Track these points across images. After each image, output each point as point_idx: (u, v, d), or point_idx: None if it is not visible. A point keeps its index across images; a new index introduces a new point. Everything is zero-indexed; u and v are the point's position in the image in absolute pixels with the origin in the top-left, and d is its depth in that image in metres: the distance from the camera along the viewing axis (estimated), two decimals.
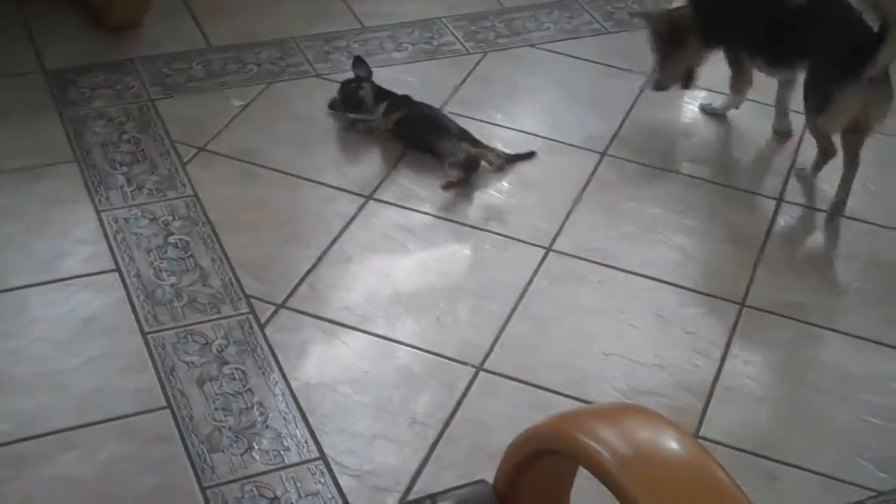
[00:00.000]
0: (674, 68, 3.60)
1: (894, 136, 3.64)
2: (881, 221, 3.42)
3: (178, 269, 3.00)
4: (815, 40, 3.31)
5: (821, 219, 3.43)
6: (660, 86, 3.63)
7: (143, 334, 2.80)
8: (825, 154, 3.42)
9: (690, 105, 3.84)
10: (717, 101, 3.71)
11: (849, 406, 2.80)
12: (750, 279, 3.16)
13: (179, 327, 2.83)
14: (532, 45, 4.11)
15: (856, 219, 3.44)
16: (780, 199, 3.47)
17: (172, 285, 2.94)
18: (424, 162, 3.46)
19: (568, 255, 3.18)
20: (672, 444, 1.56)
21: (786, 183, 3.54)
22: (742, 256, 3.25)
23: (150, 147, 3.42)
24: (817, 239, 3.37)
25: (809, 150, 3.54)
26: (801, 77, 3.43)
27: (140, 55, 3.83)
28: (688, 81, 3.67)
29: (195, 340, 2.79)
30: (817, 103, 3.31)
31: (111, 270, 2.97)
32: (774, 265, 3.23)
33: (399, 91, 3.63)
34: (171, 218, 3.16)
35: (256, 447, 2.53)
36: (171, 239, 3.09)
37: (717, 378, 2.84)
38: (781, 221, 3.40)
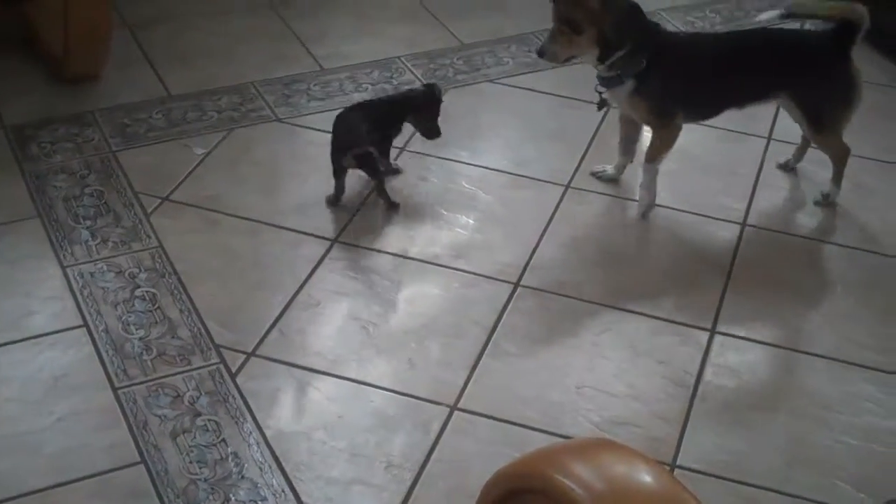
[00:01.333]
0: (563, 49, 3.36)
1: (863, 158, 3.66)
2: (850, 243, 3.44)
3: (146, 321, 2.98)
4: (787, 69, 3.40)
5: (785, 241, 3.45)
6: (542, 53, 3.36)
7: (114, 389, 2.78)
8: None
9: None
10: (609, 167, 3.66)
11: (824, 428, 2.81)
12: (719, 305, 3.17)
13: (150, 381, 2.81)
14: (492, 81, 4.13)
15: (823, 241, 3.46)
16: (743, 224, 3.49)
17: (141, 338, 2.93)
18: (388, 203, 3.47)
19: (537, 289, 3.18)
20: (646, 478, 1.56)
21: (749, 205, 3.55)
22: (711, 282, 3.25)
23: (114, 199, 3.41)
24: (784, 261, 3.38)
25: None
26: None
27: (100, 107, 3.83)
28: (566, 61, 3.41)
29: (166, 393, 2.77)
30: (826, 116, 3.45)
31: (79, 326, 2.95)
32: (743, 289, 3.24)
33: None
34: (137, 270, 3.15)
35: (233, 498, 2.51)
36: (137, 292, 3.08)
37: (691, 406, 2.84)
38: (747, 245, 3.41)
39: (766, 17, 3.46)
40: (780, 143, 3.85)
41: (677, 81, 3.37)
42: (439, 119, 3.54)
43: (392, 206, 3.43)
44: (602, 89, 3.42)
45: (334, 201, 3.44)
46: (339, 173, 3.42)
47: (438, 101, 3.54)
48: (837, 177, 3.58)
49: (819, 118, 3.46)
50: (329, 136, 3.44)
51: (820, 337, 3.12)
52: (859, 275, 3.33)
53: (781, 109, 3.84)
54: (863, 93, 3.44)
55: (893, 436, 2.79)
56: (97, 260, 3.18)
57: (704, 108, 3.52)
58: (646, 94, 3.35)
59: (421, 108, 3.53)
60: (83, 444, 2.63)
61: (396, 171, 3.57)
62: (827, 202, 3.58)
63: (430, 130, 3.55)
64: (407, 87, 3.87)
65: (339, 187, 3.43)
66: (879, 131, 3.92)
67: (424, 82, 3.79)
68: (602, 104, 3.51)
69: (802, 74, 3.42)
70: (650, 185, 3.50)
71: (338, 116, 3.47)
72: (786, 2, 3.46)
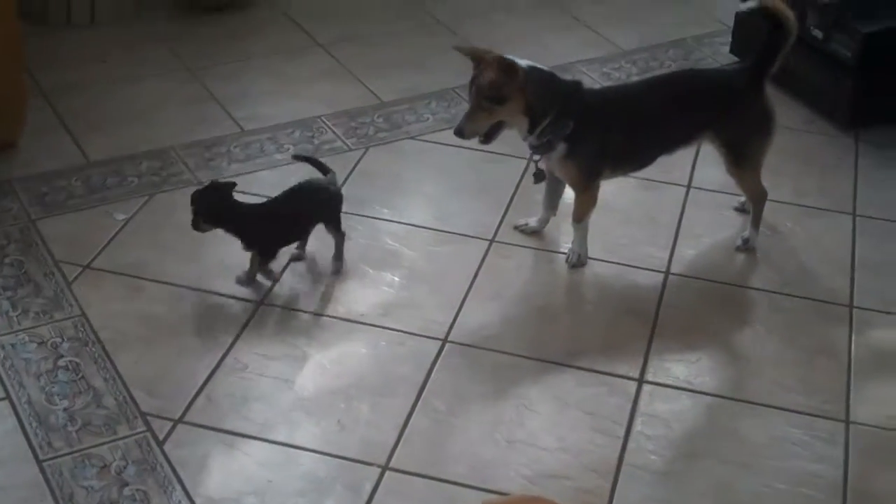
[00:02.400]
0: (482, 123, 3.36)
1: (779, 202, 3.72)
2: (771, 287, 3.49)
3: (71, 391, 2.94)
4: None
5: (708, 288, 3.48)
6: (461, 133, 3.34)
7: (39, 462, 2.73)
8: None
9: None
10: (532, 220, 3.68)
11: (752, 473, 2.83)
12: (646, 354, 3.19)
13: (76, 452, 2.77)
14: (412, 137, 4.15)
15: (745, 286, 3.51)
16: (667, 272, 3.52)
17: (65, 409, 2.89)
18: (315, 263, 3.46)
19: (464, 345, 3.19)
20: None
21: (672, 254, 3.59)
22: (637, 331, 3.28)
23: (34, 269, 3.37)
24: (708, 308, 3.41)
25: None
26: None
27: (17, 175, 3.80)
28: (490, 138, 3.38)
29: (93, 464, 2.73)
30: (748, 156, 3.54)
31: (1, 399, 2.90)
32: (669, 337, 3.27)
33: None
34: (59, 340, 3.11)
35: None
36: (60, 361, 3.04)
37: (621, 456, 2.85)
38: (671, 293, 3.44)
39: (747, 5, 3.52)
40: (699, 190, 3.90)
41: (608, 137, 3.40)
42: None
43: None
44: (537, 158, 3.45)
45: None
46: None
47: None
48: (756, 220, 3.64)
49: (740, 152, 3.53)
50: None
51: (746, 382, 3.15)
52: (781, 319, 3.37)
53: (700, 157, 3.91)
54: (777, 125, 3.54)
55: (821, 479, 2.82)
56: (18, 331, 3.13)
57: (637, 159, 3.58)
58: (577, 155, 3.38)
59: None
60: None
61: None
62: (747, 247, 3.63)
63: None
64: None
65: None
66: (794, 175, 3.99)
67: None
68: (539, 176, 3.54)
69: (723, 111, 3.49)
70: (582, 242, 3.54)
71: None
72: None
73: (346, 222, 3.62)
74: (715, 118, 3.51)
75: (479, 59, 3.31)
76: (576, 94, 3.39)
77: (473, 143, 3.99)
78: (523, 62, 3.27)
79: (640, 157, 3.57)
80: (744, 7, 3.53)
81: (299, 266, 3.45)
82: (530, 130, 3.34)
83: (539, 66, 3.33)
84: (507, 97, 3.26)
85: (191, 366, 3.06)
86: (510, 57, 3.26)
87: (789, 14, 3.40)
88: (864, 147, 4.21)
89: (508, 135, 3.43)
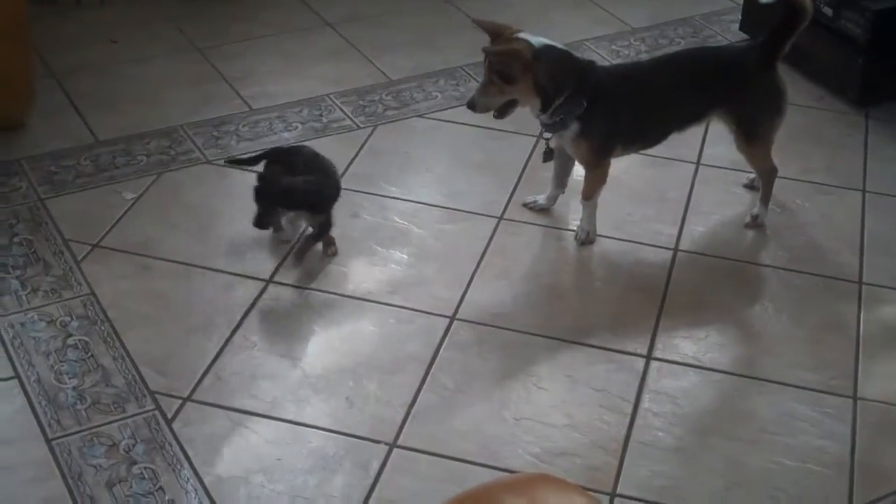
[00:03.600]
0: (495, 98, 3.34)
1: (789, 179, 3.71)
2: (780, 264, 3.48)
3: (80, 370, 2.95)
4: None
5: (717, 265, 3.48)
6: (473, 105, 3.35)
7: (48, 441, 2.74)
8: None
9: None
10: (541, 198, 3.68)
11: (760, 449, 2.83)
12: (654, 331, 3.19)
13: (84, 430, 2.78)
14: (421, 116, 4.14)
15: (754, 263, 3.50)
16: (675, 249, 3.52)
17: (75, 388, 2.90)
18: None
19: (472, 322, 3.19)
20: None
21: (681, 231, 3.59)
22: (645, 308, 3.27)
23: (43, 248, 3.38)
24: (717, 285, 3.41)
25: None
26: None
27: (26, 155, 3.80)
28: (503, 114, 3.39)
29: (101, 443, 2.74)
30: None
31: (10, 378, 2.92)
32: (677, 314, 3.27)
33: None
34: (68, 319, 3.11)
35: None
36: (70, 340, 3.05)
37: (629, 433, 2.86)
38: (680, 270, 3.44)
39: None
40: (708, 167, 3.89)
41: (621, 116, 3.40)
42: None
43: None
44: (548, 136, 3.45)
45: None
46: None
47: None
48: (765, 197, 3.63)
49: (751, 129, 3.52)
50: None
51: (754, 359, 3.15)
52: (790, 295, 3.36)
53: (709, 134, 3.90)
54: (788, 103, 3.53)
55: (828, 455, 2.82)
56: (28, 310, 3.14)
57: (650, 137, 3.57)
58: (590, 134, 3.37)
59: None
60: (17, 497, 2.60)
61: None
62: (756, 224, 3.62)
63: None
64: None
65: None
66: (803, 153, 3.98)
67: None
68: (548, 155, 3.54)
69: (735, 89, 3.48)
70: (590, 220, 3.53)
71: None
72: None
73: (355, 199, 3.64)
74: (726, 96, 3.49)
75: (495, 35, 3.31)
76: (589, 74, 3.38)
77: (482, 120, 4.00)
78: (538, 41, 3.26)
79: (652, 135, 3.57)
80: (763, 0, 3.51)
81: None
82: (543, 109, 3.33)
83: (554, 44, 3.31)
84: (516, 77, 3.25)
85: (199, 344, 3.07)
86: (524, 37, 3.25)
87: (808, 1, 3.39)
88: (873, 124, 4.19)
89: (517, 112, 3.42)
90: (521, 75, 3.25)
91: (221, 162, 3.76)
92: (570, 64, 3.35)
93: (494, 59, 3.25)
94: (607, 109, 3.37)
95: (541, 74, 3.26)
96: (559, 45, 3.35)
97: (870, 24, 4.11)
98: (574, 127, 3.35)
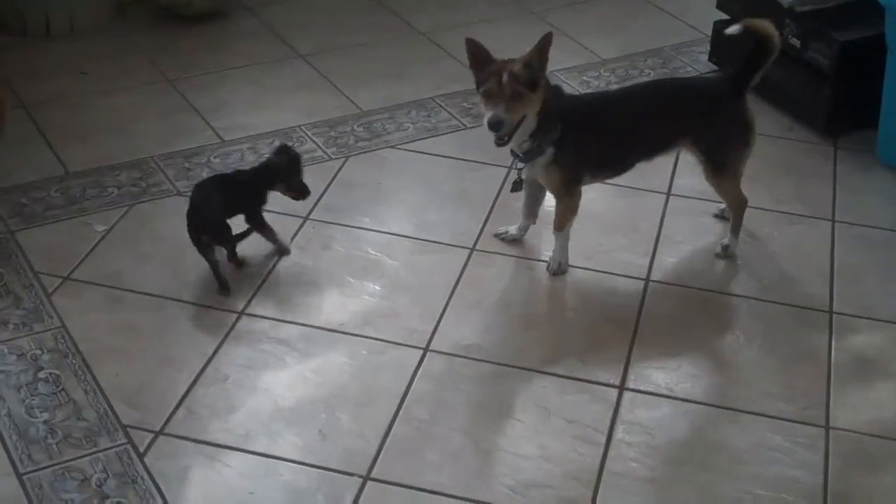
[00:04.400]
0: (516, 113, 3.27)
1: (759, 209, 3.73)
2: (751, 293, 3.49)
3: (51, 404, 2.93)
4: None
5: (688, 295, 3.49)
6: (498, 124, 3.22)
7: (19, 476, 2.72)
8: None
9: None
10: (512, 228, 3.68)
11: (734, 479, 2.83)
12: (627, 361, 3.20)
13: (56, 465, 2.76)
14: (393, 147, 4.15)
15: (725, 293, 3.52)
16: (647, 279, 3.53)
17: (46, 422, 2.88)
18: (297, 273, 3.46)
19: (445, 353, 3.19)
20: None
21: (652, 261, 3.60)
22: (618, 338, 3.28)
23: (13, 280, 3.36)
24: (689, 315, 3.42)
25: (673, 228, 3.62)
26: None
27: None
28: (511, 137, 3.31)
29: (73, 477, 2.72)
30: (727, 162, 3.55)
31: None
32: (650, 344, 3.28)
33: None
34: (39, 352, 3.10)
35: None
36: (41, 374, 3.03)
37: (602, 464, 2.86)
38: (651, 300, 3.45)
39: (731, 30, 3.53)
40: (679, 197, 3.91)
41: (590, 143, 3.42)
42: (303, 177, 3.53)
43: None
44: (521, 166, 3.45)
45: (224, 287, 3.39)
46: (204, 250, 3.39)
47: (297, 162, 3.52)
48: (735, 227, 3.65)
49: (719, 161, 3.54)
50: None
51: (727, 389, 3.16)
52: (761, 325, 3.38)
53: (680, 164, 3.92)
54: (756, 135, 3.55)
55: (801, 485, 2.82)
56: None
57: (617, 165, 3.59)
58: (562, 161, 3.39)
59: (282, 175, 3.50)
60: None
61: (285, 251, 3.56)
62: (727, 254, 3.64)
63: (299, 192, 3.53)
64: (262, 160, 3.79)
65: (214, 266, 3.40)
66: (772, 183, 4.00)
67: (277, 146, 3.61)
68: (517, 185, 3.55)
69: (702, 120, 3.50)
70: (562, 250, 3.55)
71: (196, 186, 3.47)
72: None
73: (327, 231, 3.65)
74: (694, 126, 3.52)
75: (478, 59, 3.28)
76: (562, 99, 3.40)
77: (453, 151, 4.03)
78: None
79: (620, 163, 3.58)
80: (729, 32, 3.54)
81: (279, 275, 3.44)
82: (535, 132, 3.32)
83: None
84: (538, 83, 3.24)
85: (171, 377, 3.05)
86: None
87: (774, 32, 3.42)
88: (842, 154, 4.23)
89: (488, 143, 3.43)
90: (542, 83, 3.26)
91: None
92: (554, 87, 3.40)
93: (519, 65, 3.22)
94: (577, 136, 3.38)
95: (548, 91, 3.30)
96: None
97: (837, 56, 4.15)
98: (549, 153, 3.36)
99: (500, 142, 3.30)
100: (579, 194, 3.50)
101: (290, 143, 3.65)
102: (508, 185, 3.70)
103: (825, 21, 4.25)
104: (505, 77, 3.21)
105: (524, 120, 3.28)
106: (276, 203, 3.72)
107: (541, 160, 3.39)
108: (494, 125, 3.22)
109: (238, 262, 3.48)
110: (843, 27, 4.20)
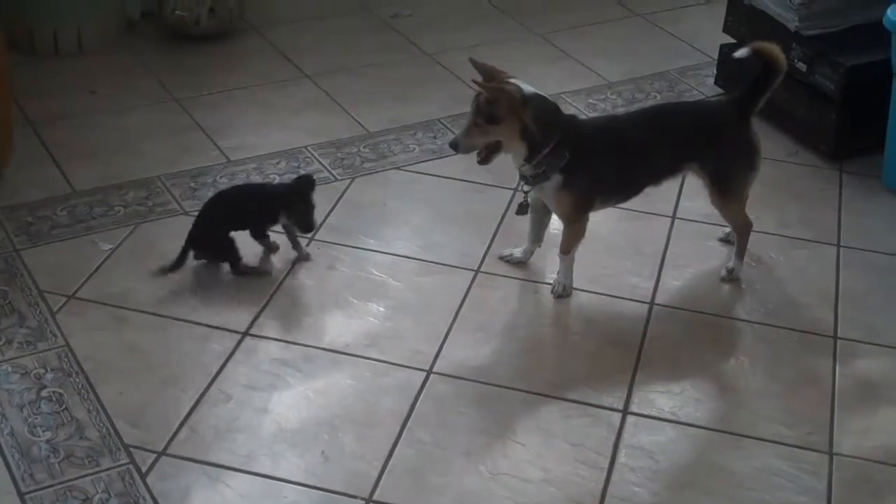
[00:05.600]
0: (477, 139, 3.35)
1: (764, 233, 3.73)
2: (755, 318, 3.49)
3: (54, 423, 2.93)
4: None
5: (692, 319, 3.49)
6: (456, 146, 3.37)
7: (20, 495, 2.72)
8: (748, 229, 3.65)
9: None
10: (517, 251, 3.69)
11: None
12: (630, 385, 3.19)
13: (58, 484, 2.76)
14: (398, 168, 4.16)
15: (730, 317, 3.51)
16: (651, 303, 3.53)
17: (48, 441, 2.88)
18: (301, 293, 3.46)
19: (449, 375, 3.18)
20: None
21: (656, 284, 3.60)
22: (622, 362, 3.28)
23: (18, 299, 3.36)
24: (693, 339, 3.41)
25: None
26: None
27: (2, 205, 3.80)
28: (486, 159, 3.40)
29: (75, 497, 2.72)
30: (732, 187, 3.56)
31: None
32: (653, 368, 3.27)
33: None
34: (43, 371, 3.10)
35: None
36: (44, 392, 3.03)
37: (605, 488, 2.85)
38: (656, 323, 3.45)
39: (740, 53, 3.53)
40: (684, 221, 3.91)
41: (602, 169, 3.42)
42: (314, 210, 3.58)
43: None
44: (527, 189, 3.46)
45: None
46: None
47: (307, 195, 3.55)
48: (740, 251, 3.65)
49: (725, 184, 3.54)
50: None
51: (731, 413, 3.15)
52: (765, 349, 3.37)
53: (685, 188, 3.92)
54: (762, 158, 3.56)
55: None
56: (1, 361, 3.13)
57: (627, 191, 3.59)
58: (572, 187, 3.39)
59: (291, 204, 3.54)
60: None
61: (306, 258, 3.61)
62: (731, 278, 3.64)
63: (304, 224, 3.57)
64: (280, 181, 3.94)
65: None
66: (778, 207, 4.00)
67: (297, 176, 3.72)
68: (523, 208, 3.55)
69: (709, 144, 3.50)
70: (567, 273, 3.55)
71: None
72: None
73: (332, 252, 3.65)
74: (700, 150, 3.52)
75: (489, 77, 3.33)
76: (572, 126, 3.40)
77: (459, 172, 4.03)
78: (528, 88, 3.29)
79: (630, 188, 3.58)
80: (736, 55, 3.55)
81: (284, 296, 3.45)
82: (528, 159, 3.34)
83: (543, 94, 3.34)
84: (503, 118, 3.27)
85: (174, 397, 3.05)
86: (516, 81, 3.28)
87: (781, 56, 3.43)
88: (847, 178, 4.23)
89: (494, 164, 3.44)
90: (508, 117, 3.27)
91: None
92: (557, 115, 3.38)
93: (483, 96, 3.27)
94: (589, 163, 3.39)
95: (529, 120, 3.28)
96: (547, 96, 3.37)
97: (843, 80, 4.15)
98: (556, 179, 3.37)
99: (479, 161, 3.39)
100: (587, 219, 3.50)
101: (308, 175, 3.68)
102: (514, 208, 3.70)
103: (832, 45, 4.25)
104: (474, 105, 3.29)
105: (500, 145, 3.33)
106: None
107: (549, 185, 3.39)
108: (451, 145, 3.39)
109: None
110: (850, 51, 4.21)
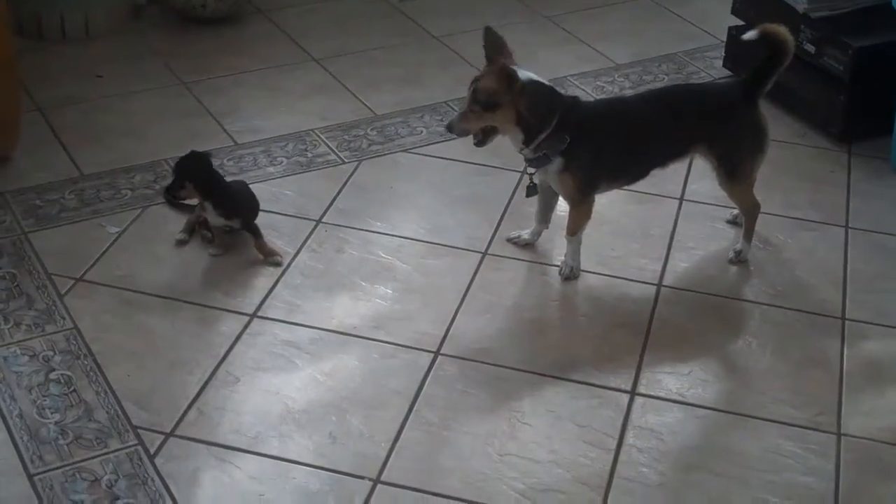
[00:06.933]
0: (473, 124, 3.36)
1: (771, 214, 3.73)
2: (763, 300, 3.49)
3: (62, 405, 2.94)
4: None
5: (700, 301, 3.49)
6: (451, 128, 3.38)
7: (29, 476, 2.73)
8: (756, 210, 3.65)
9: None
10: (525, 233, 3.69)
11: (745, 486, 2.83)
12: (638, 366, 3.19)
13: (67, 465, 2.76)
14: (406, 150, 4.16)
15: (737, 298, 3.51)
16: (659, 285, 3.53)
17: (57, 423, 2.88)
18: (308, 276, 3.46)
19: (457, 357, 3.19)
20: None
21: (664, 266, 3.60)
22: (629, 343, 3.28)
23: (26, 281, 3.37)
24: (701, 320, 3.41)
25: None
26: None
27: (10, 188, 3.80)
28: (482, 142, 3.42)
29: (84, 478, 2.73)
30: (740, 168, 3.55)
31: None
32: (661, 350, 3.27)
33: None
34: (51, 353, 3.10)
35: None
36: (52, 375, 3.03)
37: (613, 469, 2.85)
38: (664, 305, 3.45)
39: (748, 35, 3.51)
40: (692, 203, 3.91)
41: (605, 152, 3.42)
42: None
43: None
44: (532, 171, 3.46)
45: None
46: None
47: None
48: (748, 233, 3.64)
49: (733, 167, 3.53)
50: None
51: (738, 395, 3.15)
52: (773, 331, 3.37)
53: (693, 169, 3.91)
54: (769, 140, 3.55)
55: (813, 491, 2.82)
56: (10, 344, 3.13)
57: (633, 173, 3.58)
58: (574, 170, 3.39)
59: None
60: None
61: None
62: (739, 259, 3.63)
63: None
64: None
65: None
66: (786, 189, 4.00)
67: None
68: (531, 190, 3.55)
69: (717, 126, 3.49)
70: (575, 255, 3.54)
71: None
72: None
73: (339, 234, 3.65)
74: (708, 132, 3.51)
75: (496, 49, 3.34)
76: (573, 110, 3.39)
77: (466, 155, 4.03)
78: (525, 74, 3.28)
79: (635, 171, 3.58)
80: (745, 37, 3.54)
81: (292, 278, 3.45)
82: (526, 143, 3.35)
83: (539, 79, 3.33)
84: (498, 105, 3.27)
85: (182, 379, 3.06)
86: (513, 67, 3.27)
87: (790, 37, 3.42)
88: (856, 160, 4.22)
89: (502, 147, 3.44)
90: (503, 104, 3.27)
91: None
92: (553, 99, 3.36)
93: (479, 83, 3.28)
94: (591, 146, 3.38)
95: (523, 106, 3.27)
96: (545, 81, 3.36)
97: (852, 61, 4.14)
98: (557, 162, 3.37)
99: (475, 143, 3.42)
100: (592, 201, 3.50)
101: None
102: (522, 190, 3.69)
103: (840, 27, 4.24)
104: (470, 89, 3.31)
105: (496, 129, 3.35)
106: (289, 206, 3.74)
107: (551, 168, 3.39)
108: (447, 127, 3.42)
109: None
110: (859, 33, 4.20)
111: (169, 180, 3.57)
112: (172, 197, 3.52)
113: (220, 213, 3.48)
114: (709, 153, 3.54)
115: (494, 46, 3.36)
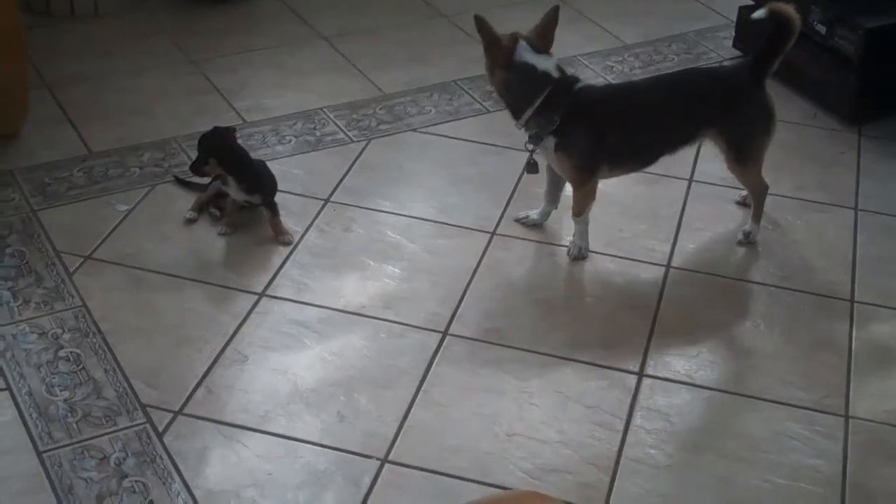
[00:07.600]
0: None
1: (780, 196, 3.72)
2: (771, 281, 3.48)
3: (71, 382, 2.94)
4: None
5: (709, 282, 3.48)
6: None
7: (39, 453, 2.73)
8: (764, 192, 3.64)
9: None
10: (533, 213, 3.69)
11: (752, 468, 2.83)
12: (646, 347, 3.19)
13: (75, 443, 2.77)
14: (414, 130, 4.15)
15: (746, 280, 3.51)
16: (667, 266, 3.52)
17: (66, 400, 2.89)
18: (317, 255, 3.46)
19: (465, 337, 3.19)
20: None
21: (673, 247, 3.59)
22: (638, 324, 3.28)
23: (35, 259, 3.37)
24: (709, 302, 3.41)
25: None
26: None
27: (19, 166, 3.79)
28: None
29: (92, 455, 2.74)
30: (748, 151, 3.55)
31: (1, 390, 2.91)
32: (669, 331, 3.27)
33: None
34: (60, 331, 3.11)
35: None
36: (61, 352, 3.04)
37: (620, 450, 2.86)
38: (672, 286, 3.44)
39: (758, 14, 3.52)
40: (701, 184, 3.90)
41: (605, 135, 3.41)
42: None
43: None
44: (531, 147, 3.46)
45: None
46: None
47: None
48: (757, 214, 3.64)
49: (741, 150, 3.52)
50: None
51: (746, 376, 3.15)
52: (782, 312, 3.36)
53: (702, 151, 3.90)
54: (777, 122, 3.54)
55: (820, 474, 2.82)
56: (19, 321, 3.14)
57: (639, 159, 3.57)
58: (569, 151, 3.39)
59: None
60: None
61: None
62: (748, 241, 3.63)
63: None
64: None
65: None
66: (796, 170, 3.99)
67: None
68: (532, 167, 3.55)
69: (724, 110, 3.49)
70: (583, 236, 3.54)
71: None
72: None
73: (347, 213, 3.65)
74: (716, 116, 3.50)
75: (488, 38, 3.38)
76: (567, 92, 3.37)
77: (475, 135, 4.02)
78: (521, 53, 3.31)
79: (641, 157, 3.57)
80: (755, 16, 3.52)
81: (300, 257, 3.45)
82: (514, 116, 3.40)
83: (535, 65, 3.33)
84: (490, 69, 3.40)
85: (191, 357, 3.06)
86: (520, 44, 3.33)
87: (796, 17, 3.41)
88: (866, 141, 4.20)
89: (509, 127, 3.43)
90: (492, 69, 3.39)
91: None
92: (535, 80, 3.35)
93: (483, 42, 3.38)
94: (584, 128, 3.38)
95: (498, 83, 3.39)
96: (540, 66, 3.34)
97: (863, 42, 4.13)
98: (550, 142, 3.37)
99: None
100: (595, 183, 3.49)
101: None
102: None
103: (851, 7, 4.22)
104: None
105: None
106: (297, 185, 3.74)
107: (547, 145, 3.40)
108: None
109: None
110: (869, 13, 4.18)
111: (193, 156, 3.58)
112: (196, 172, 3.52)
113: (244, 188, 3.50)
114: (718, 137, 3.53)
115: (547, 24, 3.43)
